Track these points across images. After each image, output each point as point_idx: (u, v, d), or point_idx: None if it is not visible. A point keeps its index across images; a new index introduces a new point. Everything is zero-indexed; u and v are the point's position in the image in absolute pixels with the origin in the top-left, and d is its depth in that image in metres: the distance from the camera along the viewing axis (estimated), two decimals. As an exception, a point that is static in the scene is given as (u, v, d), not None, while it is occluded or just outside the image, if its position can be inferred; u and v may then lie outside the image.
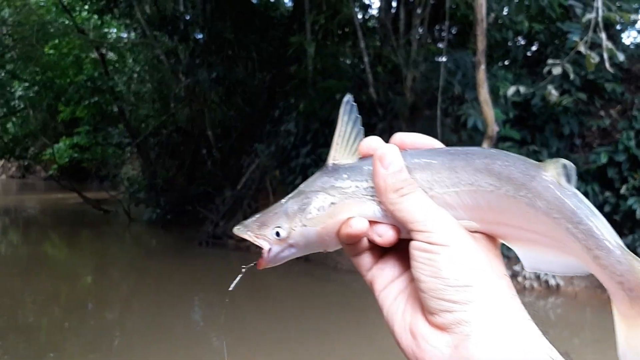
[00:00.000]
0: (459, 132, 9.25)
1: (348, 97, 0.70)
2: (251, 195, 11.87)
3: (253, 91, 13.96)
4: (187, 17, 14.05)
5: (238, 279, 0.71)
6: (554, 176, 0.60)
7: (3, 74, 16.40)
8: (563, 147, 9.31)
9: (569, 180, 0.60)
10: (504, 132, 8.22)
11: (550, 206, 0.59)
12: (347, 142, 0.68)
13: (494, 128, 6.74)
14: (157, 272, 10.65)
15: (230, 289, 0.72)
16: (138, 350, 6.38)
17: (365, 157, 0.67)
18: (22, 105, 18.86)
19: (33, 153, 22.33)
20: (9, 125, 20.98)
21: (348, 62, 12.29)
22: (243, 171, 12.53)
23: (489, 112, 6.69)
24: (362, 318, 7.28)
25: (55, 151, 18.93)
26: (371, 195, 0.65)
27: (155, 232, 13.98)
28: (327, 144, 10.12)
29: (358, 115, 0.69)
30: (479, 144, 8.20)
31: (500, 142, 7.97)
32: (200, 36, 14.29)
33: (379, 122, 9.80)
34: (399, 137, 0.68)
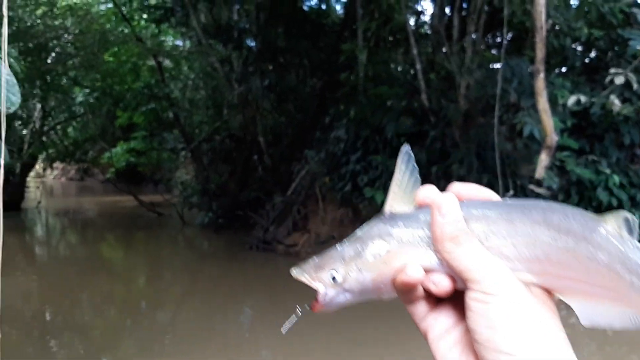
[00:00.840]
0: (514, 141, 9.05)
1: (406, 147, 0.70)
2: (301, 201, 11.94)
3: (304, 98, 14.07)
4: (241, 26, 14.30)
5: (293, 321, 0.71)
6: (615, 229, 0.60)
7: (65, 81, 17.11)
8: (623, 157, 8.98)
9: (630, 232, 0.60)
10: (561, 141, 7.99)
11: (613, 259, 0.59)
12: (404, 191, 0.69)
13: (553, 138, 6.56)
14: (208, 275, 10.84)
15: (283, 332, 0.72)
16: (189, 352, 6.50)
17: (422, 206, 0.67)
18: (82, 111, 19.61)
19: (92, 157, 23.18)
20: (70, 129, 21.86)
21: (399, 68, 12.23)
22: (293, 177, 12.62)
23: (548, 121, 6.51)
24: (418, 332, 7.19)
25: (112, 155, 19.58)
26: (427, 244, 0.65)
27: (207, 235, 14.26)
28: (377, 151, 10.09)
29: (415, 166, 0.69)
30: (535, 153, 8.01)
31: (557, 151, 7.75)
32: (253, 44, 14.53)
33: (431, 129, 9.70)
34: (456, 188, 0.68)
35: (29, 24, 14.07)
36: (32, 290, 9.61)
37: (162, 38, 18.91)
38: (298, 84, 14.37)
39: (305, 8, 15.35)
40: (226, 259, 11.80)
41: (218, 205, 14.72)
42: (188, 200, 15.95)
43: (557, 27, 9.76)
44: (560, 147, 8.13)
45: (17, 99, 2.11)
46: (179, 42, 19.91)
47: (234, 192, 14.93)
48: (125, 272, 11.91)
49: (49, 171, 26.62)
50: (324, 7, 15.72)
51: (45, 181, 25.44)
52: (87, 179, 29.19)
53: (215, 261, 11.91)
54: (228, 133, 16.50)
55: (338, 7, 16.09)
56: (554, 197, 8.66)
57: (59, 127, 20.18)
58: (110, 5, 16.88)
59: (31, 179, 22.90)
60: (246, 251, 11.90)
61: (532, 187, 8.04)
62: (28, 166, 19.36)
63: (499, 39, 12.28)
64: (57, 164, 26.04)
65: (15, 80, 2.09)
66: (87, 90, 17.99)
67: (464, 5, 11.07)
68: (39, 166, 23.63)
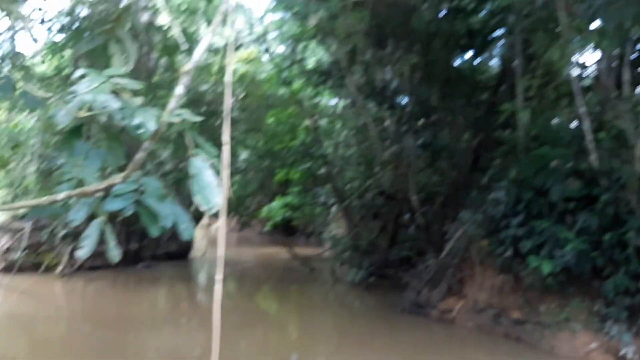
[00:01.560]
0: None
1: None
2: (456, 264, 11.53)
3: (458, 156, 13.78)
4: (395, 86, 14.54)
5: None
6: None
7: (232, 143, 18.46)
8: None
9: None
10: None
11: None
12: None
13: None
14: (358, 335, 10.75)
15: None
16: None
17: None
18: (243, 168, 21.01)
19: (251, 210, 24.62)
20: (234, 186, 23.51)
21: (564, 127, 11.55)
22: (447, 238, 12.26)
23: None
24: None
25: (270, 209, 20.64)
26: None
27: (358, 293, 14.26)
28: (541, 215, 9.45)
29: None
30: None
31: None
32: (406, 103, 14.66)
33: (602, 193, 8.93)
34: None
35: (201, 91, 15.56)
36: (196, 337, 10.21)
37: (318, 98, 19.82)
38: (452, 141, 14.15)
39: (458, 64, 15.21)
40: (377, 320, 11.67)
41: (369, 262, 14.73)
42: (339, 257, 16.17)
43: None
44: None
45: (219, 200, 2.29)
46: (334, 102, 20.73)
47: (385, 250, 14.89)
48: (278, 324, 12.27)
49: (213, 223, 28.67)
50: (477, 62, 15.46)
51: (209, 232, 27.45)
52: (246, 230, 30.98)
53: (365, 321, 11.82)
54: (379, 190, 16.61)
55: (494, 62, 15.74)
56: None
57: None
58: (272, 70, 18.15)
59: (198, 230, 24.77)
60: (397, 313, 11.69)
61: None
62: (196, 219, 21.00)
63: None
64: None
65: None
66: (250, 150, 19.26)
67: (633, 57, 10.22)
68: (205, 219, 25.55)
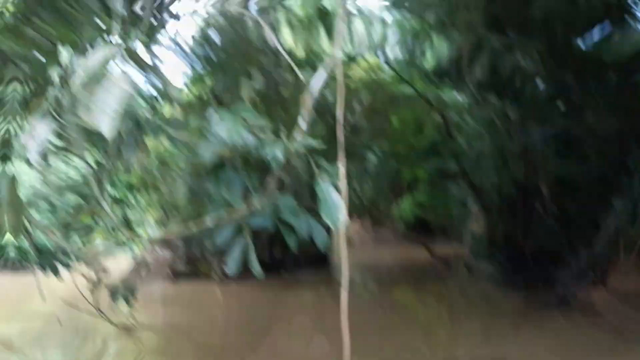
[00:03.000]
0: None
1: None
2: (604, 256, 10.93)
3: (600, 142, 12.87)
4: (525, 72, 13.94)
5: None
6: None
7: (358, 149, 18.74)
8: None
9: None
10: None
11: None
12: None
13: None
14: (502, 337, 10.26)
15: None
16: None
17: None
18: (372, 171, 21.19)
19: (383, 211, 24.70)
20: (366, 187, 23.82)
21: None
22: (592, 229, 11.60)
23: None
24: None
25: (401, 209, 20.65)
26: None
27: (498, 291, 13.87)
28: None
29: None
30: None
31: None
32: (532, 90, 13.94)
33: None
34: None
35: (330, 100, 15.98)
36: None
37: (446, 93, 19.46)
38: (592, 126, 13.27)
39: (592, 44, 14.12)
40: (521, 319, 11.23)
41: (508, 258, 14.30)
42: (476, 253, 15.87)
43: None
44: None
45: (343, 217, 2.56)
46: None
47: (525, 244, 14.35)
48: (421, 324, 12.24)
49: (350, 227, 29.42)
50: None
51: (347, 234, 27.97)
52: (382, 230, 31.19)
53: (508, 321, 11.40)
54: (514, 184, 16.00)
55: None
56: None
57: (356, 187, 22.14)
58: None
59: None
60: (542, 307, 11.26)
61: None
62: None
63: None
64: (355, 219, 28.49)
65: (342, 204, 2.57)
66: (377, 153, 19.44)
67: None
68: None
